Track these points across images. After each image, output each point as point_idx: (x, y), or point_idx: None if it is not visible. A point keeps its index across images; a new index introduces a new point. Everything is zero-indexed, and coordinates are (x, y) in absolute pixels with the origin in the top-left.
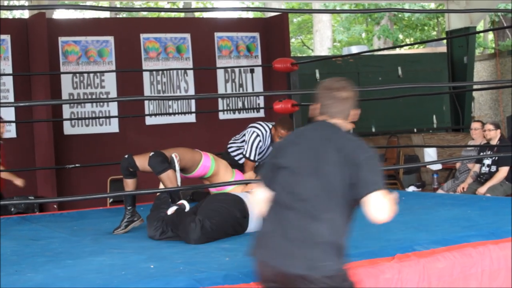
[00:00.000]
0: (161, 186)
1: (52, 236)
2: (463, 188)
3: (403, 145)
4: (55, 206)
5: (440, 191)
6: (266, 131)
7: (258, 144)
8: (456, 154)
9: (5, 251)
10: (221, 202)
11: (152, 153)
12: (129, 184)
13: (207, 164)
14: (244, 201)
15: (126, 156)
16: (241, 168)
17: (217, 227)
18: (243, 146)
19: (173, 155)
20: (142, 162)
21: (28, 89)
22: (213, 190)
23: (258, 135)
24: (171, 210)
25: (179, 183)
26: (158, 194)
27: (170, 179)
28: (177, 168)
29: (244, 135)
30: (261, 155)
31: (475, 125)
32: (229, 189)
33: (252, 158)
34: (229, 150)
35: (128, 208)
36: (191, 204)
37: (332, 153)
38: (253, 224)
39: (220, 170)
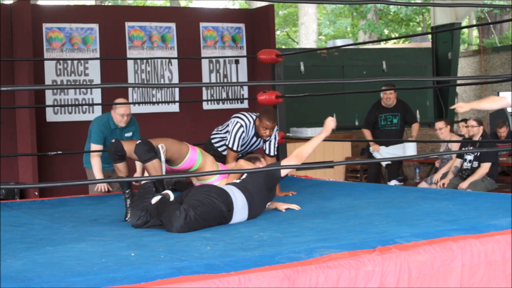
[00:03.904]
0: (146, 174)
1: (32, 222)
2: (443, 184)
3: (385, 139)
4: (36, 193)
5: (424, 184)
6: (249, 122)
7: (241, 134)
8: (438, 149)
9: None
10: (207, 194)
11: (139, 141)
12: (120, 168)
13: (194, 157)
14: (230, 194)
15: (113, 140)
16: (224, 159)
17: (201, 218)
18: (226, 137)
19: (159, 146)
20: (129, 147)
21: (11, 76)
22: (196, 183)
23: (241, 125)
24: (155, 200)
25: (164, 173)
26: (142, 183)
27: (155, 169)
28: (163, 159)
29: (228, 125)
30: (244, 146)
31: (439, 125)
32: (211, 179)
33: (234, 148)
34: (212, 141)
35: (126, 191)
36: (174, 194)
37: None
38: (237, 217)
39: (206, 165)
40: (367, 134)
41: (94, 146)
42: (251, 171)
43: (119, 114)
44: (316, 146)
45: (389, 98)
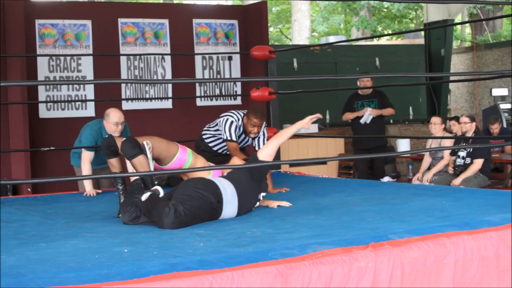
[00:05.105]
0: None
1: (25, 219)
2: (427, 179)
3: (376, 135)
4: (29, 189)
5: (418, 182)
6: (238, 119)
7: (235, 128)
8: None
9: None
10: (195, 187)
11: (124, 138)
12: (113, 163)
13: (184, 157)
14: (218, 186)
15: (106, 136)
16: (215, 155)
17: (191, 212)
18: (216, 134)
19: (144, 142)
20: (120, 143)
21: (4, 72)
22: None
23: (232, 121)
24: (145, 196)
25: (151, 169)
26: (131, 181)
27: (142, 164)
28: (149, 155)
29: (217, 124)
30: (240, 139)
31: (434, 120)
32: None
33: (233, 138)
34: (203, 137)
35: (120, 188)
36: (166, 189)
37: None
38: (227, 209)
39: (197, 165)
40: (349, 115)
41: (86, 153)
42: (235, 167)
43: (113, 123)
44: (291, 134)
45: (365, 84)
